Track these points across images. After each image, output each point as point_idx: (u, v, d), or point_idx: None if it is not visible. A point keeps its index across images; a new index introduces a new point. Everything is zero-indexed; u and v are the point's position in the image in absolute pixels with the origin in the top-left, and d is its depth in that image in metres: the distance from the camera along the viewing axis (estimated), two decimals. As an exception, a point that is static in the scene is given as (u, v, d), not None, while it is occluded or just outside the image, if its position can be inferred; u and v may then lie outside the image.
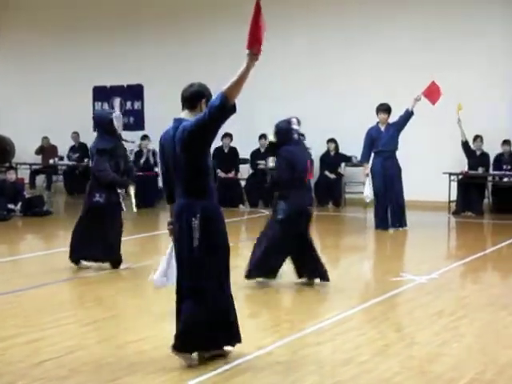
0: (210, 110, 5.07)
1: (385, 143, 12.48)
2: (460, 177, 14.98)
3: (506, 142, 14.88)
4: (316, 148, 16.36)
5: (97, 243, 8.84)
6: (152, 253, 10.16)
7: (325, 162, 16.44)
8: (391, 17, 16.18)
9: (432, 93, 12.37)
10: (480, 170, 14.82)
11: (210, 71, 14.35)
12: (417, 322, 6.64)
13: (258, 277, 8.05)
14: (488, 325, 6.57)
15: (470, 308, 7.15)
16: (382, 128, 12.62)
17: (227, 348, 5.55)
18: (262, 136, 16.13)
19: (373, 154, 12.67)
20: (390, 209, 12.55)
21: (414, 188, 15.12)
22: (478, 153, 15.01)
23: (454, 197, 14.96)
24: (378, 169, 12.49)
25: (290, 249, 8.02)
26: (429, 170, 15.38)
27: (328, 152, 16.53)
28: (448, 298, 7.65)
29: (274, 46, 16.46)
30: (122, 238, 9.09)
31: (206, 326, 5.35)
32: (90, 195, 8.98)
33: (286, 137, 8.03)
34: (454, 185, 14.97)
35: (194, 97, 5.43)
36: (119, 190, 9.03)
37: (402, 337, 6.20)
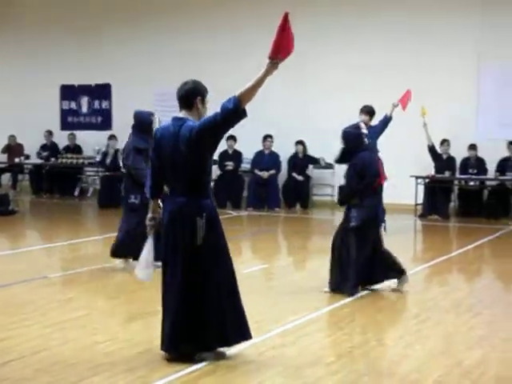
0: (222, 112, 5.16)
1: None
2: (427, 180, 15.13)
3: (472, 147, 15.05)
4: (284, 150, 16.48)
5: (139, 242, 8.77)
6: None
7: (293, 164, 16.49)
8: (361, 20, 16.27)
9: (405, 100, 12.49)
10: (446, 174, 14.97)
11: (181, 71, 14.30)
12: (382, 324, 6.71)
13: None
14: (452, 327, 6.64)
15: (434, 310, 7.22)
16: (364, 130, 12.65)
17: (223, 349, 5.57)
18: (231, 137, 16.18)
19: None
20: None
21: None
22: (445, 157, 15.16)
23: (420, 200, 15.09)
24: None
25: (364, 256, 7.84)
26: (396, 174, 15.43)
27: (296, 154, 16.58)
28: (413, 300, 7.72)
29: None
30: (90, 239, 9.05)
31: (207, 326, 5.37)
32: (125, 197, 9.01)
33: (357, 142, 7.91)
34: (421, 188, 15.11)
35: (189, 95, 5.48)
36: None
37: (368, 339, 6.25)
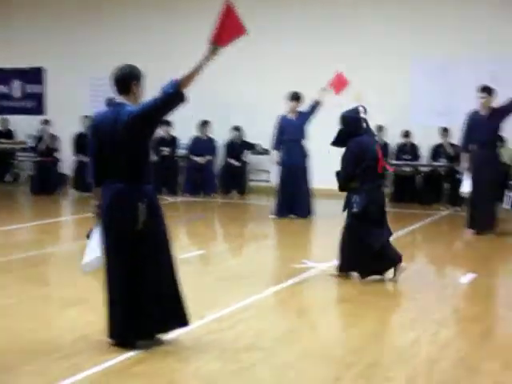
0: (162, 96, 5.14)
1: (292, 132, 12.58)
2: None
3: (406, 133, 15.28)
4: (220, 136, 16.46)
5: None
6: (55, 240, 9.99)
7: (229, 150, 16.49)
8: (303, 9, 16.34)
9: (337, 83, 12.54)
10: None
11: (117, 56, 14.13)
12: (318, 308, 6.77)
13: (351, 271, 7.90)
14: (387, 310, 6.75)
15: (370, 294, 7.30)
16: (291, 117, 12.72)
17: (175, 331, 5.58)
18: (166, 123, 16.07)
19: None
20: (295, 197, 12.65)
21: (323, 177, 15.35)
22: (380, 143, 15.33)
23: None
24: (284, 158, 12.62)
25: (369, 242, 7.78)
26: (335, 160, 15.61)
27: (233, 140, 16.57)
28: (349, 284, 7.80)
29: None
30: (22, 225, 8.90)
31: (150, 313, 5.34)
32: None
33: (356, 126, 7.85)
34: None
35: (124, 79, 5.42)
36: None
37: (304, 323, 6.30)
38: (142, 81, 5.49)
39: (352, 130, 7.85)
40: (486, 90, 11.14)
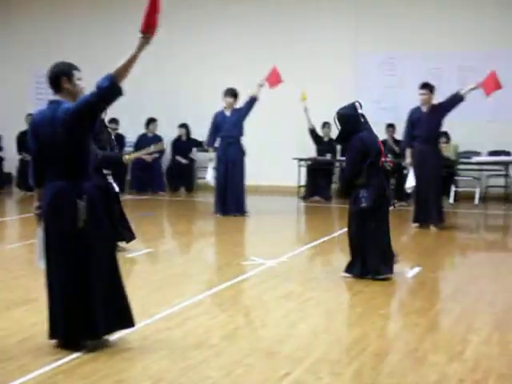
0: (97, 91, 5.06)
1: (228, 128, 12.53)
2: (309, 162, 15.37)
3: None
4: (168, 133, 16.40)
5: None
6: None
7: (177, 147, 16.43)
8: (245, 6, 16.37)
9: (273, 78, 12.61)
10: (328, 156, 15.25)
11: (64, 54, 13.98)
12: (266, 305, 6.78)
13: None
14: (334, 305, 6.79)
15: (317, 290, 7.35)
16: (227, 113, 12.70)
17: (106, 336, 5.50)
18: (113, 121, 15.95)
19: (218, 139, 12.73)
20: (231, 195, 12.59)
21: (264, 174, 15.47)
22: (326, 139, 15.44)
23: (303, 182, 15.34)
24: (220, 154, 12.59)
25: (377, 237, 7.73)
26: (279, 156, 15.72)
27: (180, 137, 16.52)
28: (296, 280, 7.84)
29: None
30: None
31: (94, 312, 5.27)
32: None
33: (355, 123, 7.71)
34: (304, 170, 15.35)
35: (55, 77, 5.36)
36: (106, 171, 8.77)
37: (252, 319, 6.31)
38: (77, 75, 5.39)
39: (351, 127, 7.73)
40: (427, 87, 11.36)
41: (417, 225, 11.31)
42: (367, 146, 7.70)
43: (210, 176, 12.53)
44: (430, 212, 11.07)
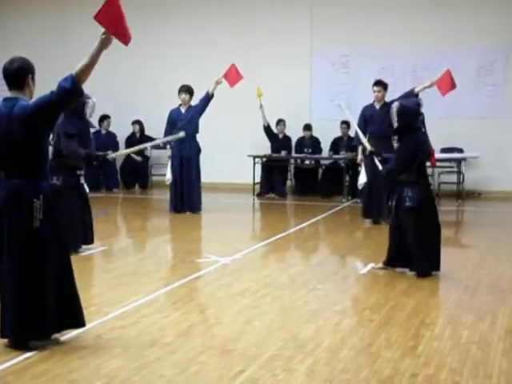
0: (59, 91, 5.02)
1: (183, 125, 12.45)
2: (264, 159, 15.39)
3: (307, 127, 15.47)
4: (121, 130, 16.29)
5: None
6: None
7: (130, 144, 16.31)
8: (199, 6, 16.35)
9: (231, 76, 12.58)
10: (283, 153, 15.28)
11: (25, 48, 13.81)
12: (220, 302, 6.77)
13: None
14: (289, 302, 6.81)
15: (272, 287, 7.37)
16: (183, 110, 12.63)
17: (57, 335, 5.44)
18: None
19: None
20: (186, 192, 12.54)
21: (219, 171, 15.46)
22: (281, 136, 15.48)
23: (258, 179, 15.35)
24: (175, 151, 12.51)
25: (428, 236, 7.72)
26: (233, 153, 15.71)
27: (133, 134, 16.41)
28: (251, 277, 7.85)
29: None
30: None
31: (45, 311, 5.21)
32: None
33: (414, 120, 7.56)
34: (258, 167, 15.37)
35: (19, 74, 5.24)
36: (80, 172, 8.84)
37: (206, 317, 6.30)
38: (35, 74, 5.35)
39: (409, 122, 7.55)
40: (381, 84, 11.51)
41: (370, 220, 11.43)
42: (421, 146, 7.65)
43: (169, 174, 12.42)
44: (382, 208, 11.17)
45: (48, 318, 5.25)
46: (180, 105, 12.63)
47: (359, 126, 11.51)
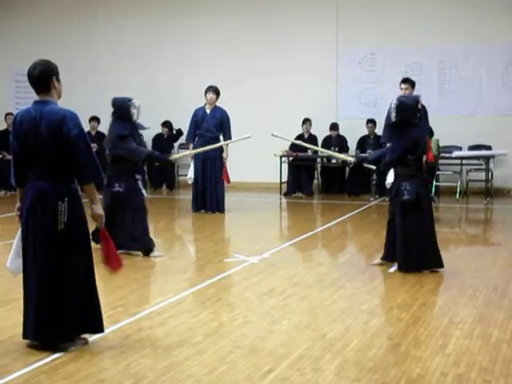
0: (90, 161, 5.25)
1: (209, 126, 12.46)
2: (290, 159, 15.37)
3: (333, 126, 15.43)
4: (149, 131, 16.31)
5: (121, 232, 8.60)
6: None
7: (159, 145, 16.36)
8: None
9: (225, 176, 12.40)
10: (309, 153, 15.25)
11: (44, 52, 13.92)
12: (248, 302, 6.77)
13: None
14: (316, 302, 6.79)
15: (299, 286, 7.36)
16: (208, 110, 12.63)
17: (85, 336, 5.46)
18: (94, 119, 15.94)
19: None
20: (210, 192, 12.53)
21: (246, 170, 15.47)
22: (307, 135, 15.45)
23: (285, 178, 15.33)
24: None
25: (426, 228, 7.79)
26: (260, 152, 15.70)
27: (161, 135, 16.45)
28: (279, 277, 7.84)
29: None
30: None
31: (68, 314, 5.23)
32: (109, 185, 8.74)
33: (411, 116, 7.67)
34: (285, 166, 15.35)
35: (42, 79, 5.27)
36: (138, 176, 8.88)
37: (234, 317, 6.30)
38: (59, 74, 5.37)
39: (407, 117, 7.67)
40: (408, 82, 11.41)
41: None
42: (417, 141, 7.70)
43: (191, 173, 12.43)
44: None
45: (70, 321, 5.25)
46: (205, 104, 12.63)
47: (385, 124, 11.48)
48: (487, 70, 14.69)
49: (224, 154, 12.47)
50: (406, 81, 11.49)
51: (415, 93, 11.39)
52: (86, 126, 15.98)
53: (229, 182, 12.39)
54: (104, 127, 16.15)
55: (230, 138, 12.45)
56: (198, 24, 16.48)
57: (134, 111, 8.79)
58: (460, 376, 4.81)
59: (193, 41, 16.50)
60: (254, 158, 15.88)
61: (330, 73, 15.82)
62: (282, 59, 15.76)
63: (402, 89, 11.45)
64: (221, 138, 12.54)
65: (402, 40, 15.31)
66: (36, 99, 5.34)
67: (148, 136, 16.30)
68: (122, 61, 16.65)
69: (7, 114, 16.04)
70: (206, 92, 12.60)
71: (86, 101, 15.96)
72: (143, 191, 8.97)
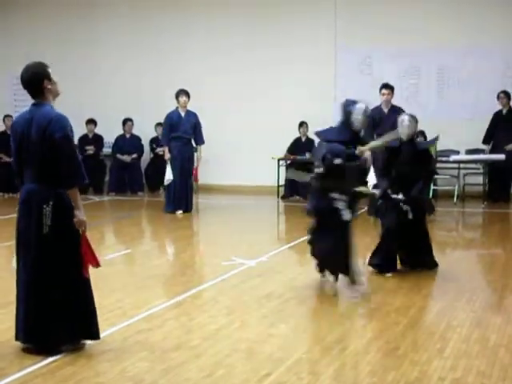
0: (75, 164, 5.22)
1: (185, 129, 12.75)
2: (288, 162, 15.36)
3: (330, 129, 15.43)
4: (145, 133, 16.31)
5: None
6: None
7: (154, 146, 16.33)
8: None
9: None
10: (307, 155, 15.24)
11: (42, 55, 13.90)
12: (246, 305, 6.76)
13: None
14: (314, 305, 6.79)
15: (297, 289, 7.34)
16: (182, 113, 12.80)
17: (84, 341, 5.43)
18: (91, 121, 15.94)
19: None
20: (186, 193, 12.83)
21: (243, 173, 15.45)
22: (304, 139, 15.44)
23: (282, 181, 15.32)
24: (176, 153, 12.66)
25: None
26: (258, 156, 15.69)
27: (157, 137, 16.45)
28: (276, 280, 7.83)
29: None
30: None
31: (58, 318, 5.21)
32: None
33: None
34: (283, 170, 15.34)
35: (34, 82, 5.26)
36: (336, 196, 7.42)
37: (232, 320, 6.29)
38: (51, 72, 5.34)
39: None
40: (389, 87, 11.67)
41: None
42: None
43: (169, 175, 12.62)
44: None
45: (59, 325, 5.20)
46: (177, 108, 12.79)
47: (368, 128, 11.76)
48: (485, 73, 14.67)
49: (199, 155, 12.94)
50: (387, 86, 11.69)
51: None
52: (83, 129, 15.99)
53: (197, 181, 13.09)
54: (101, 130, 16.17)
55: (202, 141, 12.95)
56: (192, 23, 16.44)
57: (357, 118, 7.46)
58: (457, 380, 4.81)
59: (188, 41, 16.46)
60: (251, 161, 15.85)
61: (328, 76, 15.78)
62: (277, 62, 15.71)
63: (384, 94, 11.65)
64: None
65: (399, 42, 15.27)
66: (33, 101, 5.34)
67: (146, 138, 16.32)
68: (123, 63, 16.62)
69: (6, 116, 16.01)
70: (178, 95, 12.81)
71: (83, 103, 15.96)
72: (344, 213, 7.27)
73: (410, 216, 7.78)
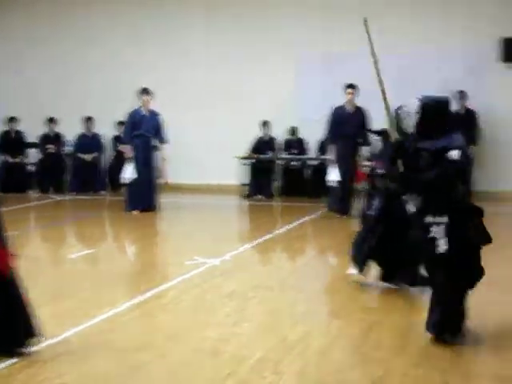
0: None
1: (148, 127, 12.78)
2: (252, 161, 15.38)
3: (293, 130, 15.49)
4: (106, 131, 16.19)
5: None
6: None
7: (116, 145, 16.25)
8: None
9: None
10: (269, 154, 15.27)
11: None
12: (209, 305, 6.75)
13: None
14: (277, 304, 6.80)
15: (260, 288, 7.35)
16: (145, 111, 12.79)
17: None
18: (51, 120, 15.80)
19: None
20: (150, 191, 12.82)
21: (208, 172, 15.44)
22: (266, 138, 15.47)
23: (245, 180, 15.33)
24: (139, 152, 12.66)
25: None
26: (221, 155, 15.68)
27: (119, 135, 16.34)
28: (239, 279, 7.83)
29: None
30: None
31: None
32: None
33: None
34: (245, 169, 15.35)
35: None
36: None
37: (196, 319, 6.27)
38: None
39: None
40: (353, 87, 12.01)
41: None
42: None
43: (131, 173, 12.57)
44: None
45: (6, 328, 5.08)
46: (140, 107, 12.75)
47: (331, 126, 11.93)
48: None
49: (162, 154, 12.93)
50: (350, 86, 12.10)
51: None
52: (45, 128, 15.84)
53: (167, 181, 13.17)
54: (60, 128, 16.03)
55: (166, 140, 12.98)
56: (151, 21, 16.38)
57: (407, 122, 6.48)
58: (421, 377, 4.84)
59: (147, 39, 16.39)
60: (215, 160, 15.83)
61: (289, 75, 15.80)
62: (239, 63, 15.72)
63: (349, 93, 12.04)
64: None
65: (363, 43, 15.30)
66: None
67: (108, 136, 16.21)
68: (83, 60, 16.47)
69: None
70: (142, 94, 12.82)
71: (43, 101, 15.81)
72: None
73: None
